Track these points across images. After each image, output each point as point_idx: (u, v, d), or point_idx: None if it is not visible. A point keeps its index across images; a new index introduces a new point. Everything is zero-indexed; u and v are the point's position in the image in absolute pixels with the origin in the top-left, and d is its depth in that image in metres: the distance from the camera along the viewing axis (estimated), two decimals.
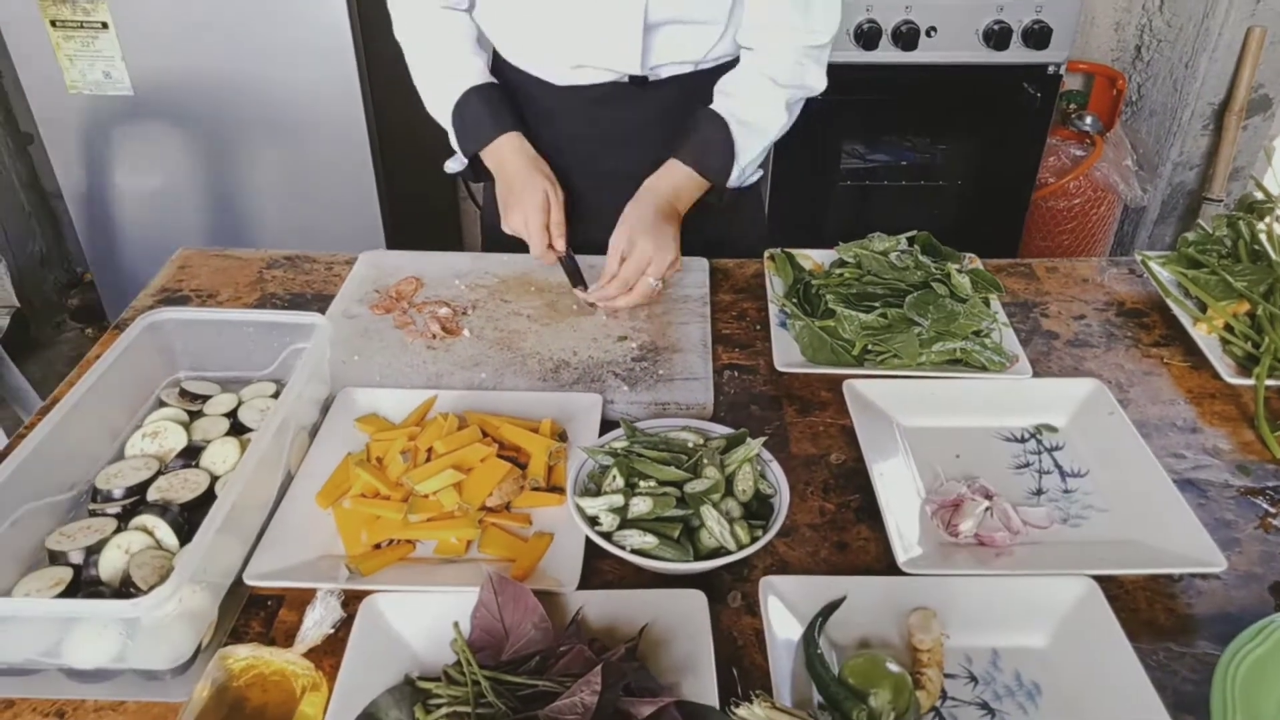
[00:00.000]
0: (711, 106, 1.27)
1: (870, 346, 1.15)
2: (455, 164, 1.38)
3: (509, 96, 1.34)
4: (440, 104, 1.34)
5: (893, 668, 0.76)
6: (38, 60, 2.06)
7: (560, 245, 1.25)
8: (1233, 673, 0.75)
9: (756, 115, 1.27)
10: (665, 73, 1.30)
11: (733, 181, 1.29)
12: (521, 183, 1.26)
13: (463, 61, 1.33)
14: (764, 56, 1.26)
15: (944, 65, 2.33)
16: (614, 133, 1.28)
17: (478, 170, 1.36)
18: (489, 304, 1.25)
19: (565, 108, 1.34)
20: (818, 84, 1.30)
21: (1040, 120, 2.44)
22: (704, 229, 1.41)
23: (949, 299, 1.16)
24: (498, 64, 1.39)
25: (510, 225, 1.26)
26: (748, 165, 1.29)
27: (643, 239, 1.19)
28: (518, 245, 1.28)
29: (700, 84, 1.31)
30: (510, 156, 1.29)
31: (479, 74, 1.33)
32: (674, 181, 1.26)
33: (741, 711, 0.70)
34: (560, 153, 1.31)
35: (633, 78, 1.29)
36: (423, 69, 1.36)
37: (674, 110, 1.31)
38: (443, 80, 1.33)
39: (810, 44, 1.26)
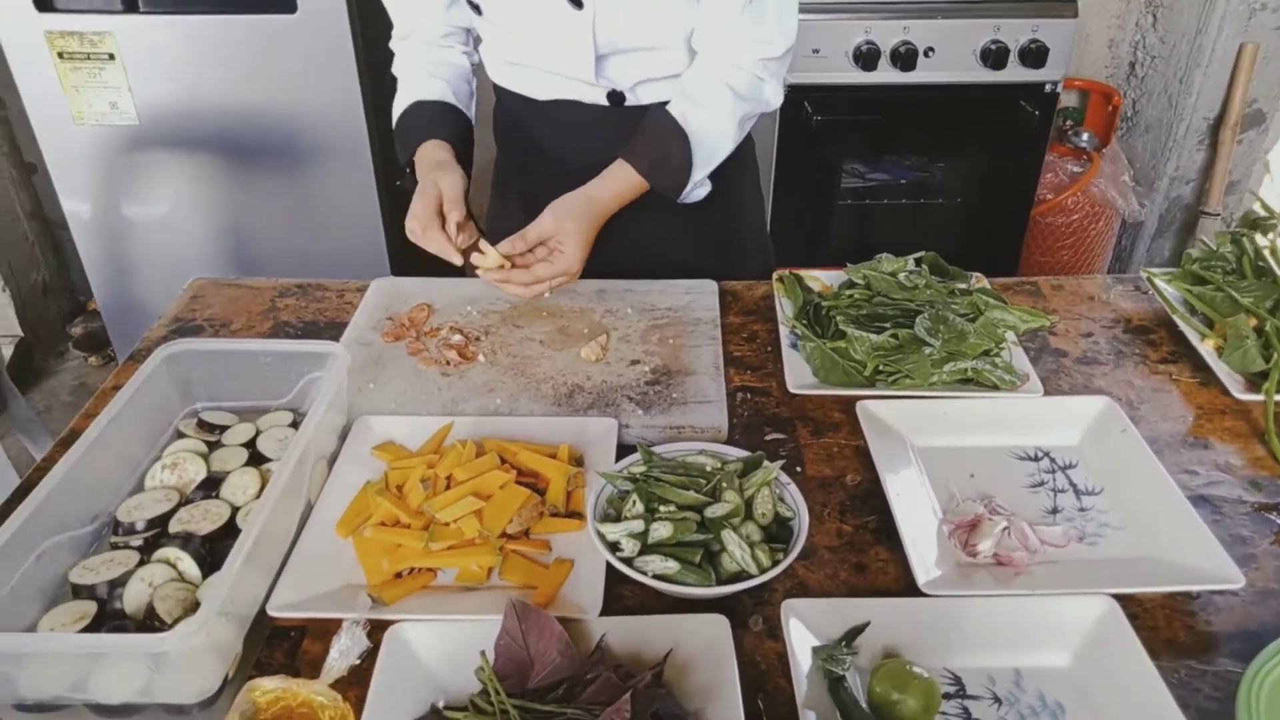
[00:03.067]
0: (671, 111, 1.24)
1: (882, 367, 1.15)
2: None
3: (460, 118, 1.35)
4: (395, 118, 1.36)
5: (920, 673, 0.77)
6: (44, 91, 2.08)
7: (455, 217, 1.19)
8: (1257, 690, 0.75)
9: (715, 131, 1.25)
10: (645, 94, 1.30)
11: (680, 198, 1.29)
12: (418, 189, 1.22)
13: (421, 85, 1.35)
14: (723, 66, 1.24)
15: (942, 85, 2.36)
16: (601, 153, 1.27)
17: None
18: (501, 330, 1.26)
19: (551, 129, 1.36)
20: (775, 99, 1.29)
21: (1038, 138, 2.47)
22: (710, 255, 1.42)
23: (959, 318, 1.17)
24: (497, 93, 1.42)
25: (408, 231, 1.21)
26: (698, 183, 1.29)
27: (573, 249, 1.18)
28: None
29: None
30: (418, 165, 1.28)
31: (435, 93, 1.34)
32: (618, 191, 1.24)
33: None
34: (551, 176, 1.31)
35: (611, 97, 1.30)
36: (395, 100, 1.38)
37: None
38: (400, 99, 1.36)
39: (766, 56, 1.24)
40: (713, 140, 1.25)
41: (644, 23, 1.23)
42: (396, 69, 1.39)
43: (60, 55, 2.00)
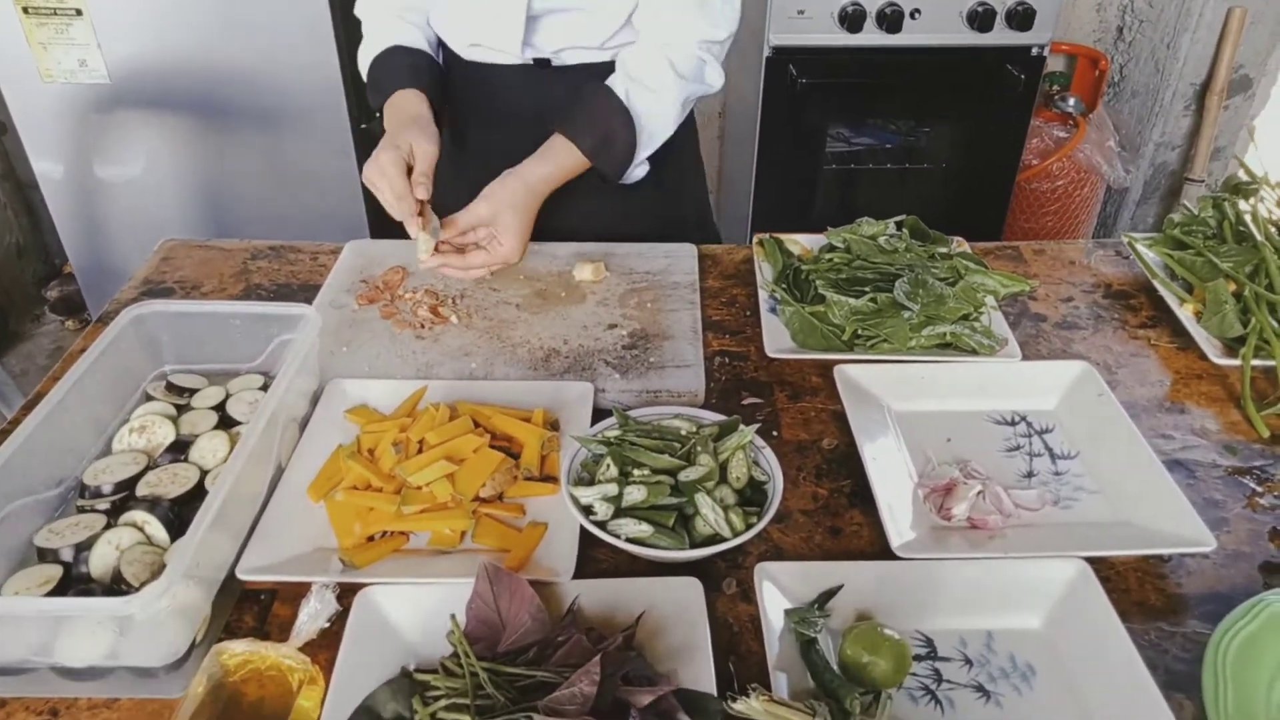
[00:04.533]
0: (615, 91, 1.21)
1: (860, 331, 1.15)
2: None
3: (436, 68, 1.32)
4: (364, 63, 1.32)
5: (891, 635, 0.77)
6: (10, 49, 2.02)
7: (421, 194, 1.14)
8: (1223, 650, 0.75)
9: (659, 113, 1.23)
10: (570, 58, 1.28)
11: (620, 179, 1.27)
12: (388, 137, 1.19)
13: (396, 29, 1.31)
14: (666, 47, 1.22)
15: (928, 47, 2.33)
16: (522, 114, 1.25)
17: None
18: (477, 293, 1.24)
19: (479, 87, 1.34)
20: (716, 81, 1.27)
21: (1024, 102, 2.44)
22: (651, 230, 1.39)
23: (938, 282, 1.16)
24: (443, 50, 1.38)
25: (365, 176, 1.17)
26: (639, 165, 1.28)
27: (510, 239, 1.17)
28: None
29: (605, 72, 1.27)
30: (391, 110, 1.24)
31: (410, 40, 1.30)
32: (557, 171, 1.21)
33: (739, 705, 0.70)
34: (478, 134, 1.29)
35: (536, 60, 1.28)
36: (365, 38, 1.34)
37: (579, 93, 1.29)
38: (373, 44, 1.31)
39: (709, 39, 1.23)
40: (656, 121, 1.24)
41: None
42: (361, 11, 1.34)
43: (25, 10, 1.95)
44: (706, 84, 1.27)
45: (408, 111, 1.22)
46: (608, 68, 1.27)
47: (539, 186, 1.20)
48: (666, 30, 1.22)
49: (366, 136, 2.22)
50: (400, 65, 1.28)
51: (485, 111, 1.33)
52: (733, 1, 1.24)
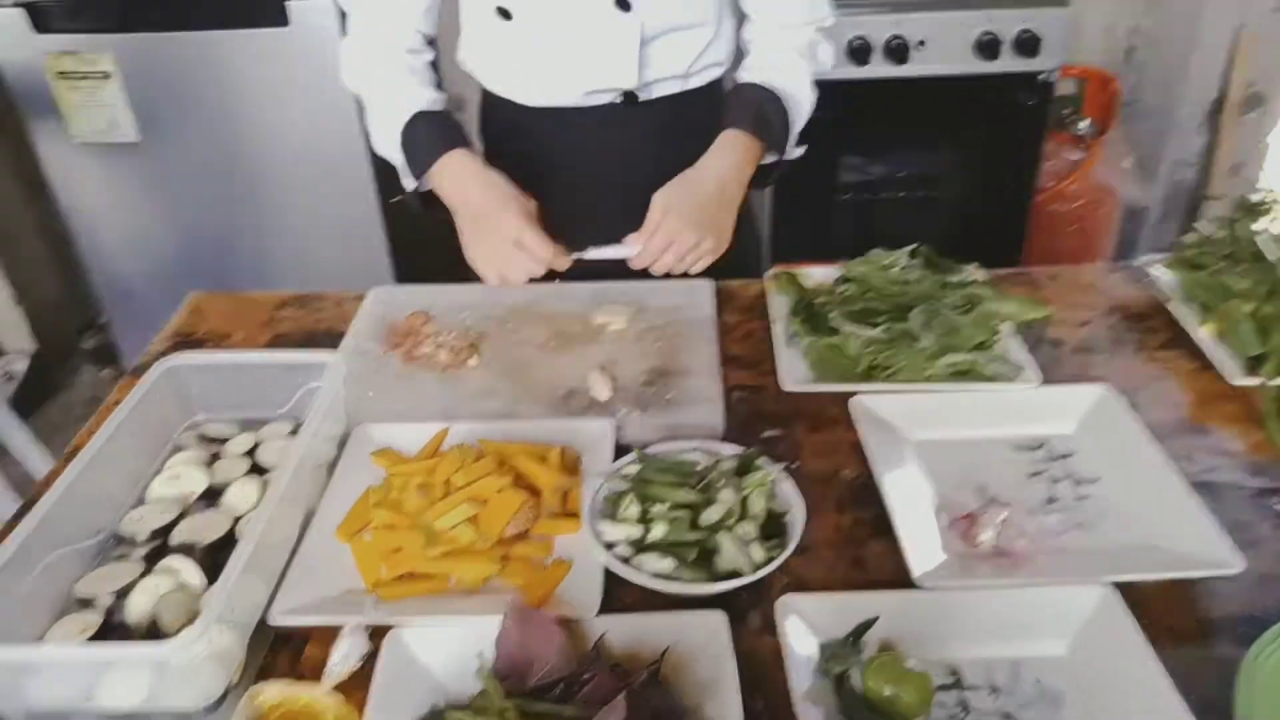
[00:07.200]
0: (752, 80, 1.30)
1: (876, 362, 1.15)
2: (409, 182, 1.34)
3: (460, 126, 1.33)
4: (388, 134, 1.31)
5: (912, 666, 0.77)
6: (44, 111, 2.10)
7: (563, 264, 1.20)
8: (1256, 674, 0.75)
9: (795, 89, 1.32)
10: (656, 91, 1.32)
11: (787, 152, 1.33)
12: (494, 203, 1.22)
13: (413, 93, 1.31)
14: (786, 38, 1.31)
15: (936, 77, 2.36)
16: (610, 154, 1.28)
17: (426, 198, 1.34)
18: (498, 335, 1.26)
19: (561, 133, 1.36)
20: (829, 61, 1.36)
21: (1035, 126, 2.46)
22: None
23: (952, 311, 1.17)
24: (488, 104, 1.41)
25: (476, 254, 1.23)
26: (796, 135, 1.34)
27: (686, 234, 1.21)
28: None
29: (690, 102, 1.35)
30: (469, 177, 1.26)
31: (430, 103, 1.32)
32: (725, 158, 1.26)
33: None
34: (553, 180, 1.31)
35: (625, 96, 1.31)
36: (375, 107, 1.35)
37: (666, 129, 1.35)
38: (392, 112, 1.31)
39: (821, 25, 1.33)
40: (796, 98, 1.32)
41: (686, 4, 1.27)
42: (381, 76, 1.33)
43: (59, 74, 2.02)
44: (820, 62, 1.35)
45: (486, 174, 1.25)
46: (692, 96, 1.35)
47: (707, 180, 1.24)
48: (779, 13, 1.31)
49: (388, 185, 2.26)
50: (439, 131, 1.28)
51: (564, 157, 1.35)
52: None
